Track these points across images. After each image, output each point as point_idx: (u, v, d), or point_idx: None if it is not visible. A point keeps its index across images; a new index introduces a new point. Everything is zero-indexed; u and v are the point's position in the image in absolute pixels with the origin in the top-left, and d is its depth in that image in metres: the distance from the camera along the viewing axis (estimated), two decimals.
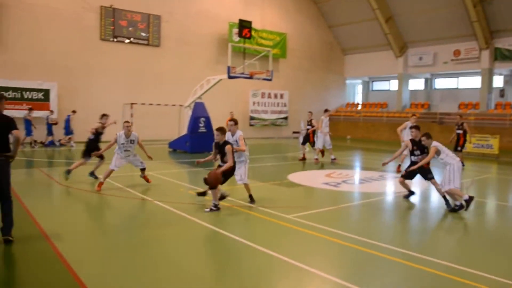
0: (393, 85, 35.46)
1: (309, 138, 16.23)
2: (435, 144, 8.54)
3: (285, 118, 31.56)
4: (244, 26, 16.30)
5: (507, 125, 24.45)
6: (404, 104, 32.41)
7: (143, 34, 24.15)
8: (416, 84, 33.65)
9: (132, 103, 21.80)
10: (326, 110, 16.26)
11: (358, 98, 38.88)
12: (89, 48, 22.38)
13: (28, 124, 18.95)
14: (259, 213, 7.86)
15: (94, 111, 22.27)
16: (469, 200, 8.11)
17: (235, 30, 27.34)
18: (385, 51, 32.10)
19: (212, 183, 7.70)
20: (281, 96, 31.24)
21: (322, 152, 15.95)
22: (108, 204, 8.74)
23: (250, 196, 8.71)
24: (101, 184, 9.62)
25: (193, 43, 26.28)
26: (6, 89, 20.13)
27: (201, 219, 7.37)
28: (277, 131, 31.47)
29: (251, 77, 16.30)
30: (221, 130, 8.09)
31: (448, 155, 8.43)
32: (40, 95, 21.03)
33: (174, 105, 23.05)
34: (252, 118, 29.59)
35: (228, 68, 15.72)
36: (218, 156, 8.28)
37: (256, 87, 29.13)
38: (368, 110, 34.56)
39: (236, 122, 8.80)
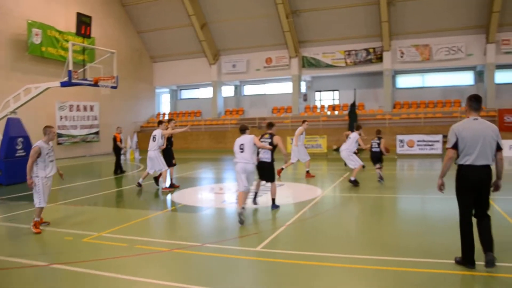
0: (203, 92, 35.35)
1: None
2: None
3: (97, 133, 27.96)
4: (82, 22, 13.19)
5: (320, 126, 26.82)
6: (219, 111, 32.56)
7: None
8: (227, 91, 34.26)
9: None
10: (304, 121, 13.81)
11: (166, 108, 37.51)
12: None
13: None
14: (217, 252, 5.92)
15: None
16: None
17: (36, 30, 22.78)
18: (198, 58, 31.60)
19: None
20: (91, 108, 27.48)
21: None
22: None
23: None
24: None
25: None
26: None
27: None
28: (88, 148, 27.60)
29: (96, 84, 13.16)
30: None
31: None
32: None
33: None
34: (60, 135, 25.09)
35: (69, 72, 12.30)
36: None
37: (63, 98, 24.88)
38: (181, 119, 33.49)
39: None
